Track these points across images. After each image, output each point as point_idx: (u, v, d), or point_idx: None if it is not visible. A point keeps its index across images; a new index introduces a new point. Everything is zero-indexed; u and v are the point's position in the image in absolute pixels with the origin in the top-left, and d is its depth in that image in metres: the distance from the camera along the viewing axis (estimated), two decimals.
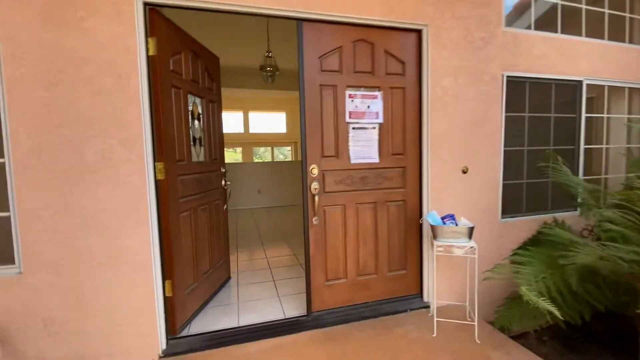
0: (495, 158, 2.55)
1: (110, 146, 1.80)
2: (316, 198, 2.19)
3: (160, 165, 2.00)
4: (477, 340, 2.02)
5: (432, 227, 2.07)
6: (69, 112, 1.74)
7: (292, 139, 11.87)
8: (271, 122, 11.83)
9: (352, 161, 2.31)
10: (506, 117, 2.57)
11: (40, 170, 1.72)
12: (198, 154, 2.54)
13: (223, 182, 2.91)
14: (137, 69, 1.82)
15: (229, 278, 3.05)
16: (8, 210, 1.72)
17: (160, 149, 2.00)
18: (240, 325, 2.24)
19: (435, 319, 2.09)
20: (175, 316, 2.10)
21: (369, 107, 2.32)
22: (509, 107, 2.60)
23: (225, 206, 2.96)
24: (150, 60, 1.92)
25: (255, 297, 2.68)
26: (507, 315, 2.28)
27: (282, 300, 2.61)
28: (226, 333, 2.15)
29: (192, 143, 2.42)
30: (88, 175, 1.78)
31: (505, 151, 2.60)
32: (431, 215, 2.14)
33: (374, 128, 2.34)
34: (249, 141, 11.59)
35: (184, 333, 2.17)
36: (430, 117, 2.37)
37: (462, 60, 2.41)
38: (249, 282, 2.98)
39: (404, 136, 2.42)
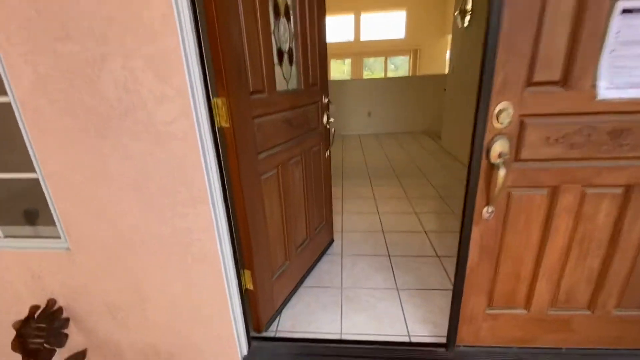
0: None
1: (132, 71, 1.04)
2: (500, 173, 1.08)
3: (220, 102, 1.19)
4: None
5: None
6: (69, 16, 1.00)
7: (411, 45, 9.68)
8: (387, 25, 9.79)
9: (602, 95, 1.01)
10: None
11: (53, 114, 1.12)
12: (287, 77, 1.62)
13: (325, 119, 2.00)
14: None
15: (331, 242, 2.39)
16: (34, 170, 1.24)
17: (220, 75, 1.16)
18: (343, 337, 1.57)
19: None
20: (259, 311, 1.56)
21: None
22: None
23: (327, 152, 2.11)
24: None
25: (365, 282, 1.95)
26: None
27: (402, 297, 1.81)
28: (326, 349, 1.52)
29: (276, 60, 1.50)
30: (116, 123, 1.11)
31: None
32: None
33: None
34: (359, 50, 10.00)
35: (272, 328, 1.66)
36: None
37: None
38: (357, 253, 2.26)
39: None
